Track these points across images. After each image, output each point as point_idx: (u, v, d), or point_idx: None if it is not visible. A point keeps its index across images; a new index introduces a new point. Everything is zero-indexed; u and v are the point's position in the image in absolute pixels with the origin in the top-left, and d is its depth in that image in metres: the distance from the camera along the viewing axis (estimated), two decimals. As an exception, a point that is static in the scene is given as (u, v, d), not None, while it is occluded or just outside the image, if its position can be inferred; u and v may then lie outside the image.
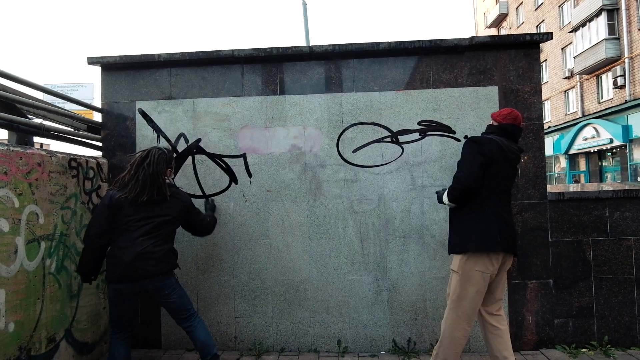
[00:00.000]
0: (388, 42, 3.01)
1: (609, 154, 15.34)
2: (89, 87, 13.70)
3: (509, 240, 2.21)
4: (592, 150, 15.68)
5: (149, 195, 2.23)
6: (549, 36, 2.99)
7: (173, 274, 2.34)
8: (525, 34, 2.99)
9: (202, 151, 3.09)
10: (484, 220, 2.21)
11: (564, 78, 17.84)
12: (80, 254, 2.71)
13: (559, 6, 18.43)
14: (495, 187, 2.23)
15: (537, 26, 20.38)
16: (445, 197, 2.35)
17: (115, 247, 2.23)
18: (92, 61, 3.16)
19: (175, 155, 3.08)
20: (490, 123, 2.43)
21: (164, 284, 2.25)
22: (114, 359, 2.32)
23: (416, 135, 3.01)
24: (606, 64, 14.85)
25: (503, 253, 2.22)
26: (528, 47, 3.02)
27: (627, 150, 13.54)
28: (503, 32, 24.68)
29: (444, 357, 2.30)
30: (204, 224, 2.60)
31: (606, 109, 14.50)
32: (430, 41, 2.98)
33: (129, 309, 2.34)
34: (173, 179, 2.67)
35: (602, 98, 15.69)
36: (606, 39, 14.37)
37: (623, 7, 13.96)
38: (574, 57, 16.48)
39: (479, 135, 2.40)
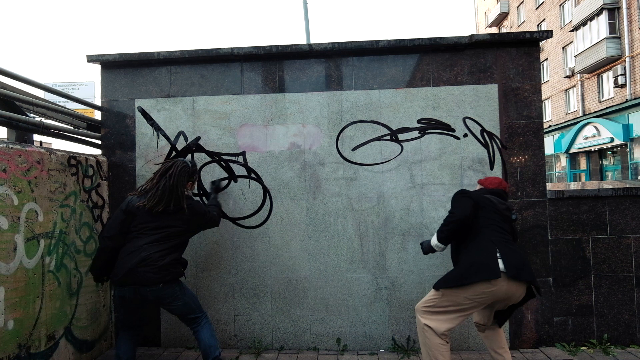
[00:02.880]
0: (388, 40, 3.00)
1: (610, 152, 15.31)
2: (90, 86, 13.72)
3: (515, 267, 2.02)
4: (592, 149, 15.65)
5: (165, 206, 2.26)
6: (548, 34, 2.98)
7: (177, 282, 2.31)
8: (525, 32, 2.98)
9: (201, 149, 3.09)
10: (477, 252, 2.11)
11: (565, 77, 17.80)
12: (79, 251, 2.73)
13: (560, 5, 18.38)
14: (489, 224, 2.17)
15: (538, 25, 20.33)
16: (434, 239, 2.29)
17: (123, 251, 2.25)
18: (91, 59, 3.16)
19: (175, 153, 3.09)
20: (478, 188, 2.49)
21: (166, 293, 2.24)
22: (119, 356, 2.34)
23: (416, 134, 3.01)
24: (607, 63, 14.80)
25: (507, 280, 2.02)
26: (528, 45, 3.01)
27: (628, 149, 13.52)
28: (504, 31, 24.63)
29: None
30: (211, 221, 2.58)
31: (607, 108, 14.46)
32: (430, 39, 2.98)
33: (134, 313, 2.34)
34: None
35: (602, 97, 15.65)
36: (607, 38, 14.33)
37: (624, 6, 13.92)
38: (574, 56, 16.44)
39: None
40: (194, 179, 2.51)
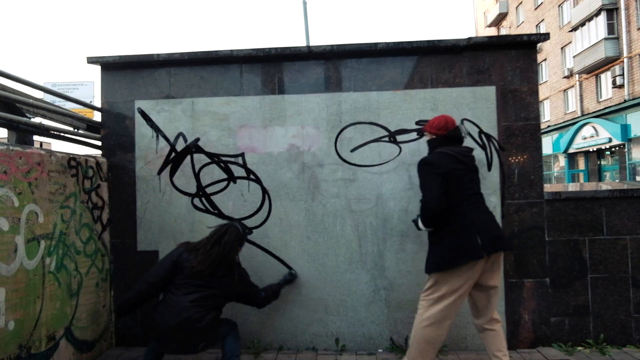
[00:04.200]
0: (386, 42, 3.02)
1: (608, 153, 15.37)
2: (90, 86, 13.70)
3: (491, 241, 2.16)
4: (591, 149, 15.71)
5: (213, 270, 2.32)
6: (546, 36, 3.00)
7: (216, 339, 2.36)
8: (522, 35, 3.00)
9: (200, 150, 3.10)
10: (461, 233, 2.18)
11: (564, 77, 17.86)
12: (79, 252, 2.74)
13: (559, 5, 18.43)
14: (463, 196, 2.21)
15: (536, 25, 20.39)
16: (420, 224, 2.37)
17: (164, 304, 2.29)
18: (91, 61, 3.17)
19: (174, 154, 3.10)
20: (429, 138, 2.44)
21: (204, 347, 2.33)
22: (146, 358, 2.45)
23: (414, 135, 3.03)
24: (605, 64, 14.86)
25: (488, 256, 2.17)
26: (526, 47, 3.03)
27: (626, 149, 13.58)
28: (503, 31, 24.67)
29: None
30: (259, 301, 2.63)
31: (605, 108, 14.52)
32: (428, 41, 3.00)
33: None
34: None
35: (601, 97, 15.71)
36: (605, 39, 14.38)
37: (622, 6, 13.97)
38: (573, 57, 16.49)
39: (427, 155, 2.39)
40: (244, 242, 2.60)
